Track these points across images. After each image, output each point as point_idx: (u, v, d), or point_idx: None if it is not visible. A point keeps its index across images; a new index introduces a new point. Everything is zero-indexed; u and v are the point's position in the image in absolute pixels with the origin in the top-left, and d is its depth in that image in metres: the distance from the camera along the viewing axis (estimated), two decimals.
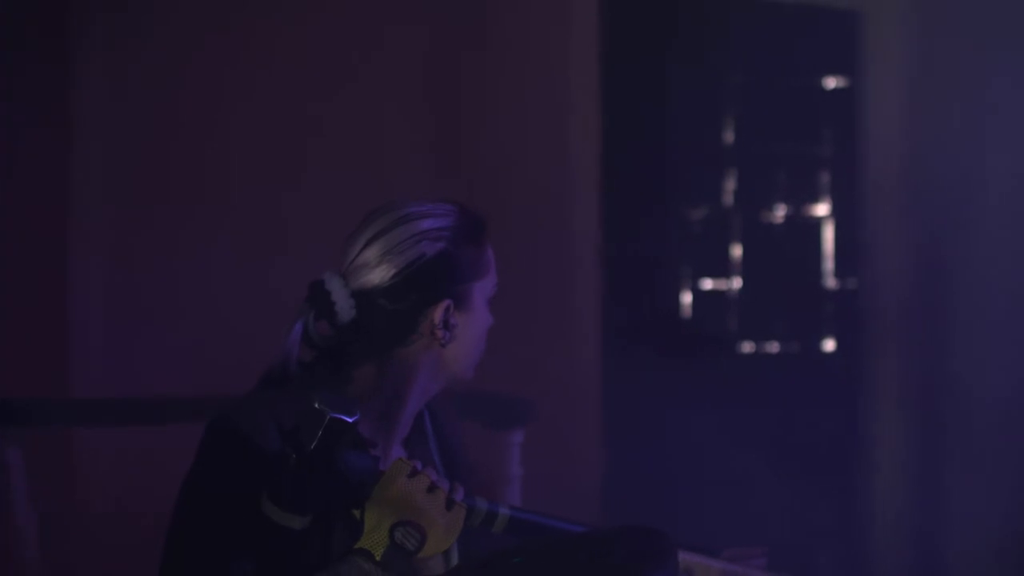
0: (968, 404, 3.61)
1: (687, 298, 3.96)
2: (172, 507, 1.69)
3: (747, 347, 3.97)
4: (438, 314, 1.75)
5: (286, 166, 3.56)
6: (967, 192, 3.60)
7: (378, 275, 1.75)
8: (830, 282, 3.95)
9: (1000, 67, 3.54)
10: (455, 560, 1.73)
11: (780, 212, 3.96)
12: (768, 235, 3.97)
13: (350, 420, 1.54)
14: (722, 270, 3.97)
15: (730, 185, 3.95)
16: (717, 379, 3.93)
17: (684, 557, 2.07)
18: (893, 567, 3.66)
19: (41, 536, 2.84)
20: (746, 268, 3.95)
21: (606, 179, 3.71)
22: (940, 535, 3.63)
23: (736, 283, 3.96)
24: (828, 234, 3.94)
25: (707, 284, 3.97)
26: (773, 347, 3.97)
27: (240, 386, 3.34)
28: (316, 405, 1.53)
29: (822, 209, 3.95)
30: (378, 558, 1.55)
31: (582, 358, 3.64)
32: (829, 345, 3.94)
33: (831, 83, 3.93)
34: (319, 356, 1.79)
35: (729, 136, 3.95)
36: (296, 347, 1.77)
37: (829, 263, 3.94)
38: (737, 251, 3.95)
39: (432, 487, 1.58)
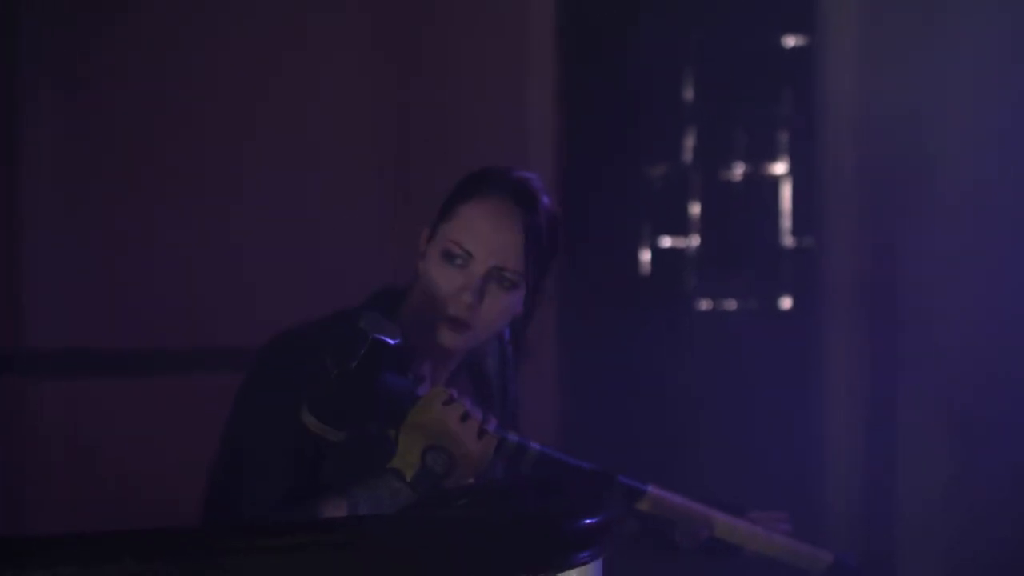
0: (921, 360, 3.64)
1: (645, 255, 3.97)
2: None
3: (705, 304, 3.99)
4: (422, 238, 1.86)
5: (238, 119, 3.54)
6: (924, 150, 3.61)
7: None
8: (787, 240, 3.96)
9: (955, 24, 3.55)
10: None
11: (739, 170, 3.97)
12: (726, 193, 3.98)
13: (391, 343, 1.59)
14: (681, 228, 3.98)
15: (689, 143, 3.96)
16: (674, 336, 3.95)
17: (709, 513, 2.10)
18: (844, 516, 3.69)
19: None
20: (704, 226, 3.96)
21: (564, 136, 3.71)
22: (892, 486, 3.66)
23: (694, 241, 3.97)
24: (786, 193, 3.95)
25: (666, 242, 3.98)
26: (731, 304, 3.99)
27: (194, 339, 3.35)
28: (361, 325, 1.59)
29: (780, 168, 3.96)
30: (408, 479, 1.60)
31: (538, 315, 3.64)
32: (786, 303, 3.96)
33: (790, 41, 3.93)
34: None
35: (688, 94, 3.95)
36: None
37: (787, 221, 3.96)
38: (696, 209, 3.96)
39: (466, 416, 1.64)
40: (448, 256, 1.78)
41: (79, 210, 3.48)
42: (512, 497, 1.58)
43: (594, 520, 1.34)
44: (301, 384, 1.63)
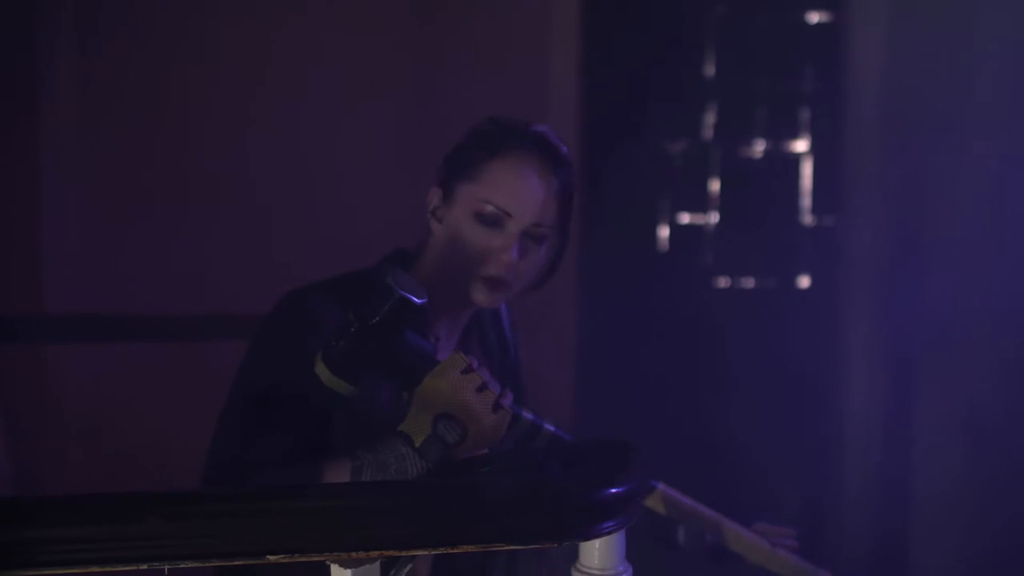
0: (941, 341, 3.63)
1: (664, 232, 3.96)
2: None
3: (723, 282, 3.98)
4: (430, 197, 1.84)
5: (259, 84, 3.53)
6: (948, 130, 3.59)
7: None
8: (807, 219, 3.94)
9: (982, 2, 3.52)
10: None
11: (759, 147, 3.95)
12: (746, 170, 3.96)
13: (418, 302, 1.55)
14: (700, 204, 3.96)
15: (710, 119, 3.94)
16: (692, 313, 3.94)
17: (717, 519, 2.09)
18: (862, 491, 3.68)
19: (10, 450, 2.83)
20: (724, 203, 3.95)
21: (585, 111, 3.69)
22: (908, 470, 3.65)
23: (713, 218, 3.95)
24: (807, 170, 3.93)
25: (684, 218, 3.96)
26: (749, 282, 3.97)
27: (213, 305, 3.35)
28: (388, 281, 1.54)
29: (801, 145, 3.94)
30: (417, 444, 1.56)
31: (557, 291, 3.64)
32: (804, 281, 3.95)
33: (814, 18, 3.90)
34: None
35: (710, 70, 3.93)
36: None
37: (807, 200, 3.94)
38: (715, 186, 3.94)
39: (483, 387, 1.60)
40: (482, 216, 1.77)
41: (95, 178, 3.48)
42: (536, 466, 1.58)
43: (619, 490, 1.33)
44: (318, 335, 1.61)
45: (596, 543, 1.39)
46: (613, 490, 1.34)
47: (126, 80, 3.49)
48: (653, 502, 2.09)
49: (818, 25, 3.90)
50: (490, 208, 1.77)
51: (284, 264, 3.43)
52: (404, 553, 1.26)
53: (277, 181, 3.51)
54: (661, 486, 2.11)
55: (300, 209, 3.51)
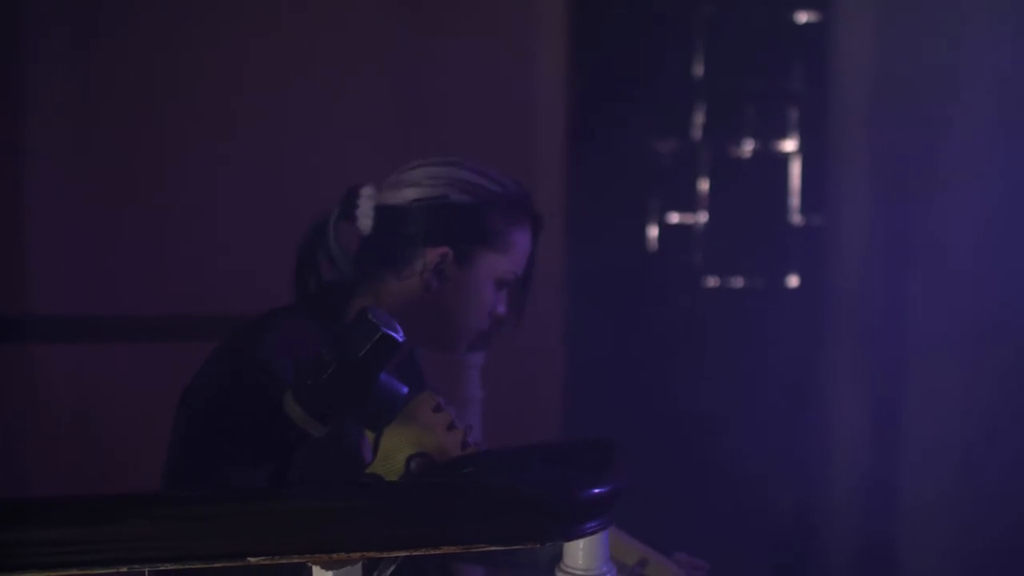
0: (929, 341, 3.63)
1: (653, 232, 3.96)
2: (173, 418, 1.71)
3: (712, 281, 3.98)
4: (433, 257, 1.80)
5: (245, 77, 3.53)
6: (935, 129, 3.60)
7: (402, 196, 1.81)
8: (796, 218, 3.95)
9: (972, 2, 3.53)
10: None
11: (748, 147, 3.95)
12: (735, 170, 3.97)
13: (400, 339, 1.48)
14: (689, 204, 3.96)
15: (698, 119, 3.94)
16: (681, 313, 3.94)
17: (644, 551, 2.08)
18: (849, 493, 3.69)
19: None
20: (712, 203, 3.95)
21: (573, 111, 3.69)
22: (897, 470, 3.66)
23: (702, 218, 3.96)
24: (795, 170, 3.94)
25: (673, 218, 3.96)
26: (738, 282, 3.97)
27: (201, 305, 3.34)
28: (369, 317, 1.47)
29: (790, 145, 3.94)
30: None
31: (546, 288, 3.64)
32: (793, 281, 3.95)
33: (802, 17, 3.91)
34: (328, 281, 1.84)
35: (698, 69, 3.93)
36: (315, 240, 1.84)
37: (795, 199, 3.94)
38: (704, 185, 3.95)
39: (452, 425, 1.60)
40: (502, 282, 1.85)
41: (83, 177, 3.47)
42: (519, 466, 1.58)
43: (602, 490, 1.33)
44: (282, 372, 1.56)
45: (580, 543, 1.39)
46: (596, 490, 1.33)
47: (114, 79, 3.48)
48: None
49: (806, 25, 3.90)
50: (512, 275, 1.86)
51: (274, 263, 3.42)
52: (386, 554, 1.25)
53: (265, 180, 3.50)
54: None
55: (287, 209, 3.50)
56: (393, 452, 1.56)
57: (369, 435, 1.57)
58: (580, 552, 1.39)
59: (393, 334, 1.47)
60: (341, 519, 1.21)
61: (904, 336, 3.65)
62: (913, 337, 3.65)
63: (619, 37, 3.88)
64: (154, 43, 3.48)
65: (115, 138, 3.48)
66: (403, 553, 1.25)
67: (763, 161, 3.97)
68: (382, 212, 1.82)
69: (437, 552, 1.24)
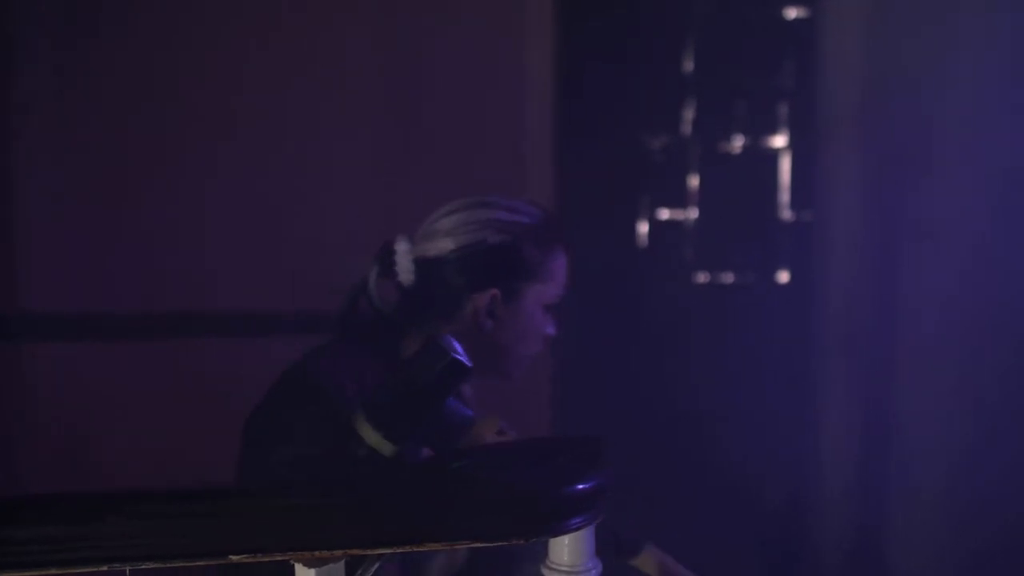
0: (920, 338, 3.63)
1: (644, 228, 3.96)
2: (239, 449, 1.76)
3: (702, 277, 3.98)
4: (483, 301, 1.87)
5: (236, 76, 3.52)
6: (925, 124, 3.60)
7: (440, 247, 1.86)
8: (786, 214, 3.94)
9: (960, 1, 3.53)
10: None
11: (738, 143, 3.95)
12: (726, 166, 3.96)
13: (468, 365, 1.54)
14: (679, 200, 3.96)
15: (689, 115, 3.94)
16: (672, 309, 3.94)
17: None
18: (840, 491, 3.69)
19: None
20: (703, 199, 3.95)
21: (563, 106, 3.69)
22: (889, 466, 3.66)
23: (693, 213, 3.95)
24: (785, 166, 3.94)
25: (664, 214, 3.96)
26: (728, 278, 3.97)
27: (190, 303, 3.33)
28: (440, 343, 1.53)
29: (780, 141, 3.94)
30: None
31: None
32: (784, 277, 3.95)
33: (791, 13, 3.90)
34: (376, 320, 1.88)
35: (688, 65, 3.93)
36: (355, 301, 1.87)
37: (785, 195, 3.94)
38: (694, 181, 3.94)
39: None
40: (549, 307, 1.95)
41: (73, 173, 3.46)
42: (505, 462, 1.57)
43: (587, 486, 1.33)
44: (347, 396, 1.63)
45: (565, 539, 1.39)
46: (581, 486, 1.33)
47: (105, 76, 3.47)
48: (640, 562, 2.07)
49: (796, 21, 3.90)
50: (557, 300, 1.95)
51: (268, 261, 3.42)
52: (369, 552, 1.25)
53: (262, 176, 3.49)
54: (650, 547, 2.08)
55: (280, 208, 3.50)
56: None
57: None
58: (565, 549, 1.39)
59: (462, 359, 1.53)
60: (324, 517, 1.21)
61: (895, 332, 3.65)
62: (904, 333, 3.65)
63: (609, 33, 3.87)
64: (151, 42, 3.47)
65: (109, 136, 3.47)
66: (386, 551, 1.25)
67: (753, 157, 3.97)
68: (422, 265, 1.87)
69: (420, 549, 1.24)
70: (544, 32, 3.62)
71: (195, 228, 3.48)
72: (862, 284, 3.67)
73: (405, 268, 1.87)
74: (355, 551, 1.24)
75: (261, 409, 1.77)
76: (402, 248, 1.88)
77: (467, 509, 1.29)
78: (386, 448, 1.52)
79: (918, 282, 3.62)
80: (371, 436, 1.52)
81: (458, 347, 1.56)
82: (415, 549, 1.25)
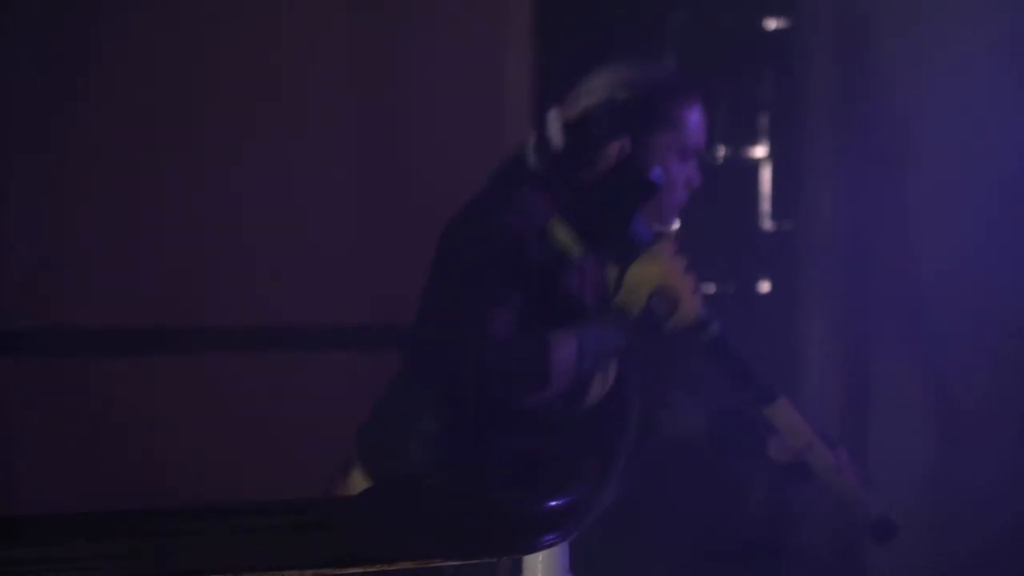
0: (900, 347, 3.64)
1: None
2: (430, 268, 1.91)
3: None
4: (614, 151, 1.99)
5: (208, 91, 3.51)
6: (905, 135, 3.60)
7: (579, 108, 2.06)
8: (767, 224, 3.95)
9: (940, 6, 3.54)
10: (611, 379, 1.94)
11: (719, 153, 3.95)
12: (706, 176, 3.95)
13: (660, 184, 1.75)
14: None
15: None
16: None
17: (814, 439, 2.11)
18: (819, 508, 3.69)
19: None
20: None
21: (541, 118, 3.68)
22: (866, 470, 3.66)
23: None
24: (766, 176, 3.94)
25: None
26: (709, 288, 3.97)
27: (161, 318, 3.31)
28: (635, 163, 1.75)
29: (760, 151, 3.94)
30: (632, 317, 1.71)
31: None
32: (764, 287, 3.95)
33: (771, 24, 3.91)
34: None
35: None
36: (519, 165, 2.05)
37: (767, 205, 3.94)
38: None
39: (688, 268, 1.81)
40: (685, 157, 2.09)
41: (50, 186, 3.45)
42: (477, 479, 1.57)
43: (560, 503, 1.32)
44: (538, 209, 1.77)
45: (539, 556, 1.39)
46: (554, 503, 1.33)
47: (82, 89, 3.46)
48: (771, 413, 2.16)
49: (775, 31, 3.90)
50: (691, 149, 2.09)
51: (244, 277, 3.41)
52: (340, 571, 1.24)
53: (240, 190, 3.49)
54: (783, 399, 2.17)
55: (268, 220, 3.49)
56: (638, 286, 1.72)
57: (610, 274, 1.74)
58: (539, 566, 1.39)
59: (655, 179, 1.72)
60: (294, 536, 1.20)
61: (876, 343, 3.66)
62: (885, 344, 3.65)
63: (588, 44, 3.87)
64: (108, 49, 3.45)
65: (86, 147, 3.46)
66: (357, 570, 1.24)
67: (734, 167, 3.97)
68: (567, 127, 2.03)
69: (391, 568, 1.23)
70: (523, 43, 3.63)
71: (184, 240, 3.45)
72: (843, 293, 3.68)
73: (555, 133, 2.02)
74: (326, 570, 1.23)
75: (454, 222, 1.91)
76: (552, 115, 2.07)
77: (439, 527, 1.28)
78: (573, 248, 1.68)
79: (898, 291, 3.62)
80: (564, 237, 1.67)
81: (650, 168, 1.75)
82: (386, 568, 1.24)
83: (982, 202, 3.54)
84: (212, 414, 3.25)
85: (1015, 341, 3.41)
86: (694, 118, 2.10)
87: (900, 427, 3.62)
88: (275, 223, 3.48)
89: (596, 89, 2.07)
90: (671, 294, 1.71)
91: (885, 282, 3.64)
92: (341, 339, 3.38)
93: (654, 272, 1.73)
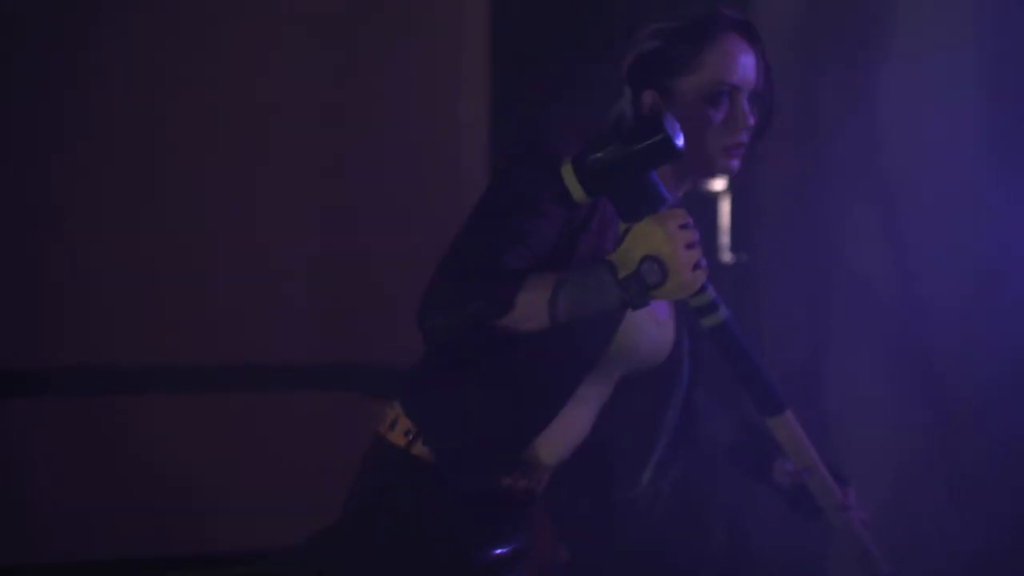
0: (859, 380, 3.66)
1: None
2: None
3: None
4: (645, 104, 1.97)
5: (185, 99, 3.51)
6: (861, 160, 3.63)
7: (621, 68, 2.02)
8: (726, 256, 3.97)
9: (895, 37, 3.57)
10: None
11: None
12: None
13: (679, 147, 1.66)
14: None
15: None
16: None
17: (818, 464, 2.11)
18: (779, 534, 3.70)
19: None
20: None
21: (496, 143, 3.70)
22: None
23: None
24: (724, 209, 3.96)
25: None
26: None
27: (110, 357, 3.27)
28: (660, 118, 1.65)
29: (719, 184, 3.97)
30: (619, 277, 1.67)
31: None
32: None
33: None
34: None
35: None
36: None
37: (725, 237, 3.96)
38: None
39: (692, 244, 1.72)
40: (713, 99, 1.96)
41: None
42: (425, 524, 1.57)
43: (502, 550, 1.34)
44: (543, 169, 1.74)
45: None
46: (496, 551, 1.34)
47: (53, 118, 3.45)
48: (775, 424, 2.12)
49: None
50: (721, 87, 1.96)
51: (202, 311, 3.41)
52: None
53: (206, 220, 3.48)
54: (790, 413, 2.12)
55: (233, 251, 3.48)
56: (633, 247, 1.67)
57: (620, 227, 1.71)
58: None
59: (675, 139, 1.65)
60: None
61: (835, 376, 3.68)
62: (844, 376, 3.67)
63: (546, 72, 3.88)
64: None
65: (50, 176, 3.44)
66: None
67: (694, 200, 3.97)
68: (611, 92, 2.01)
69: None
70: (479, 70, 3.64)
71: (116, 276, 3.43)
72: (799, 326, 3.70)
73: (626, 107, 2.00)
74: None
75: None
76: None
77: (384, 572, 1.30)
78: (577, 193, 1.65)
79: (853, 324, 3.64)
80: (570, 180, 1.64)
81: (677, 128, 1.67)
82: None
83: (940, 234, 3.57)
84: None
85: (970, 375, 3.45)
86: (722, 55, 1.98)
87: (855, 458, 3.64)
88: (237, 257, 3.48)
89: (629, 50, 2.03)
90: (664, 263, 1.67)
91: (840, 314, 3.67)
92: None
93: (653, 237, 1.68)
